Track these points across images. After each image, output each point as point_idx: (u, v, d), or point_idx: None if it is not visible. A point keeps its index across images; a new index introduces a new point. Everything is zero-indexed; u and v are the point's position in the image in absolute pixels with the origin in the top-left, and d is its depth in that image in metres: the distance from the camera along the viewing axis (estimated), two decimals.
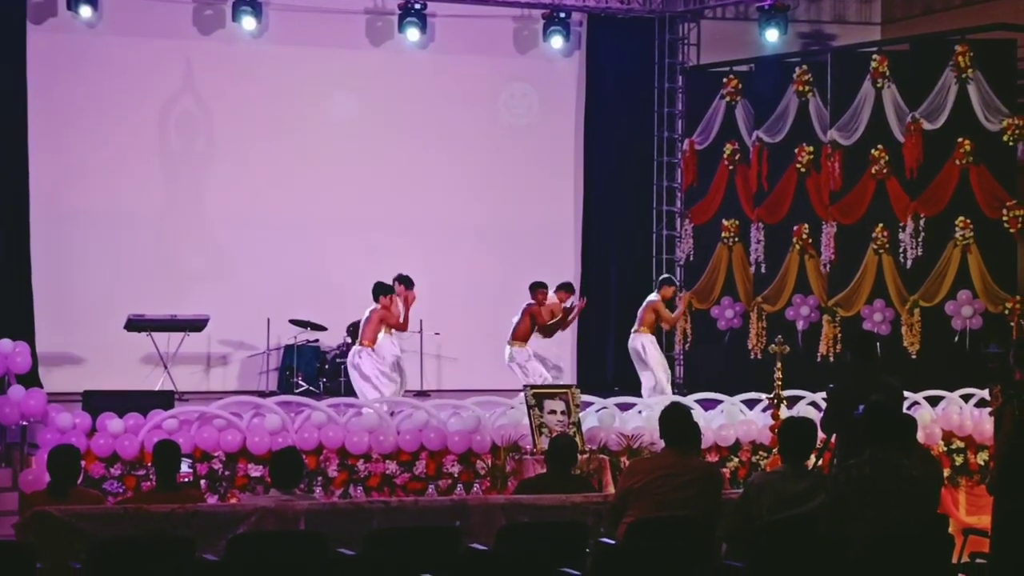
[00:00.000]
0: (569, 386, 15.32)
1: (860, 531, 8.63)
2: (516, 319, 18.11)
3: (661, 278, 19.69)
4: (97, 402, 14.95)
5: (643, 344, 18.50)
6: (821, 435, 10.85)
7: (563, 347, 21.14)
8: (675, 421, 9.62)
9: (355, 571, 8.83)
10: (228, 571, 8.69)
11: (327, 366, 20.62)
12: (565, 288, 18.57)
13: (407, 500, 11.99)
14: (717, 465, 14.10)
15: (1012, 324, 19.19)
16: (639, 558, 8.93)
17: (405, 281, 17.76)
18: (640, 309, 18.71)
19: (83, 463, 12.09)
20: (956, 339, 19.53)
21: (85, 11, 20.26)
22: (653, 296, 18.87)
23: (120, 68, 21.07)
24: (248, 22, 20.96)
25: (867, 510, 8.67)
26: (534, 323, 18.09)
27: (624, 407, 15.74)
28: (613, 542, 9.23)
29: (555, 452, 11.09)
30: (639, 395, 17.57)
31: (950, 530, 9.84)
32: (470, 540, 9.47)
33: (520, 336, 18.06)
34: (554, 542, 9.33)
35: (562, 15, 22.40)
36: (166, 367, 19.86)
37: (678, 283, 21.29)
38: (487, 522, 10.04)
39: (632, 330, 18.65)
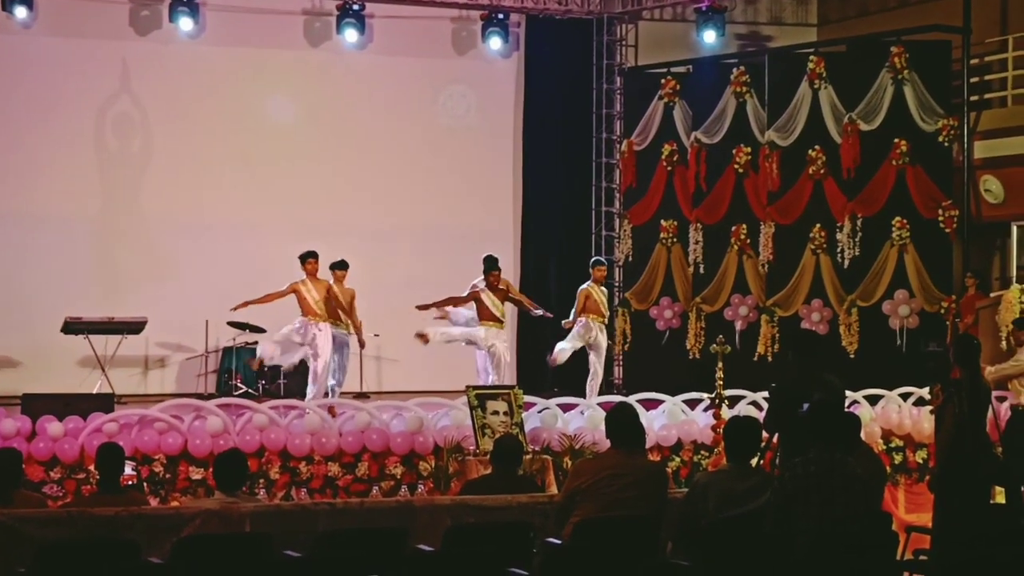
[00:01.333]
0: (511, 387, 15.32)
1: (805, 529, 8.67)
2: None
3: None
4: (36, 405, 14.80)
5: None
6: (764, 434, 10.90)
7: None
8: (623, 421, 9.64)
9: (301, 573, 8.78)
10: (174, 574, 8.61)
11: (266, 368, 20.50)
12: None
13: (352, 501, 11.94)
14: (661, 465, 14.14)
15: (948, 323, 19.34)
16: (586, 557, 8.92)
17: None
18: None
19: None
20: (898, 340, 19.68)
21: (20, 12, 20.12)
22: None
23: (56, 69, 20.93)
24: (185, 23, 20.86)
25: (812, 508, 8.71)
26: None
27: (566, 408, 15.77)
28: (560, 542, 9.23)
29: (500, 453, 11.07)
30: (581, 396, 17.57)
31: (893, 527, 9.90)
32: (416, 541, 9.44)
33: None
34: (501, 542, 9.30)
35: (500, 16, 22.42)
36: (104, 370, 19.71)
37: (610, 276, 21.39)
38: (433, 523, 10.01)
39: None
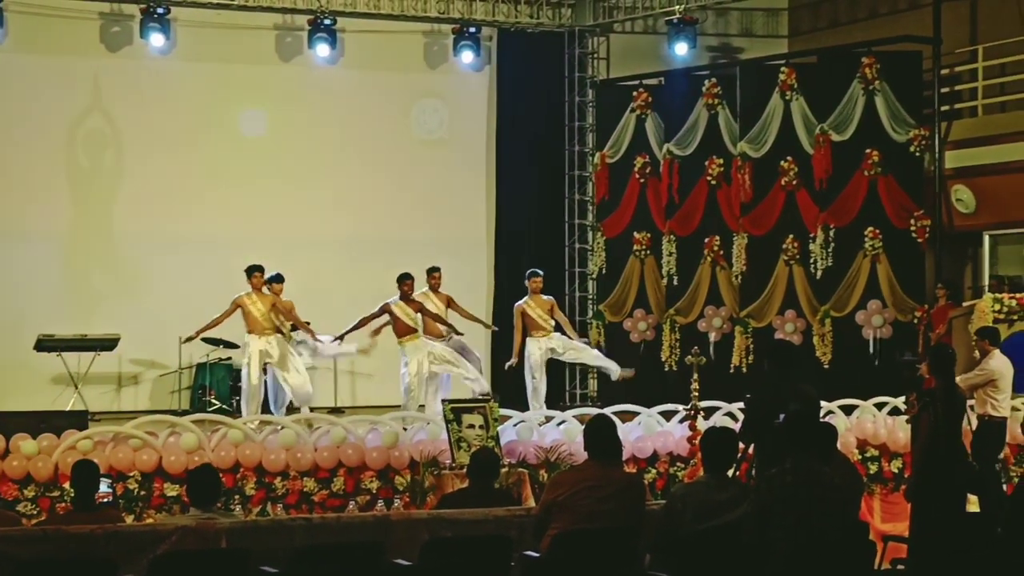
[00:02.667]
0: (487, 400, 15.30)
1: (783, 539, 8.68)
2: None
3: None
4: (9, 423, 14.73)
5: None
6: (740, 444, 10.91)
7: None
8: (601, 433, 9.63)
9: None
10: None
11: (239, 384, 20.43)
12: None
13: (329, 516, 11.92)
14: (639, 476, 14.13)
15: (920, 333, 19.38)
16: (564, 570, 8.93)
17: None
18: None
19: None
20: (871, 350, 19.71)
21: None
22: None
23: (27, 86, 20.88)
24: (156, 39, 20.80)
25: (789, 518, 8.73)
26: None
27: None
28: (537, 555, 9.22)
29: (477, 466, 11.04)
30: (557, 408, 17.55)
31: (870, 537, 9.92)
32: (393, 556, 9.42)
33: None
34: (478, 556, 9.29)
35: (472, 30, 22.45)
36: (77, 387, 19.63)
37: (583, 289, 21.38)
38: (410, 537, 9.97)
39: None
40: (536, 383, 18.46)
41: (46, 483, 13.65)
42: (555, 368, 22.63)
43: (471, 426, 14.30)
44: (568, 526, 9.26)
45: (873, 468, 15.89)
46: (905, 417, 13.93)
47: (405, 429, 15.18)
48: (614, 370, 18.98)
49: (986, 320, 17.28)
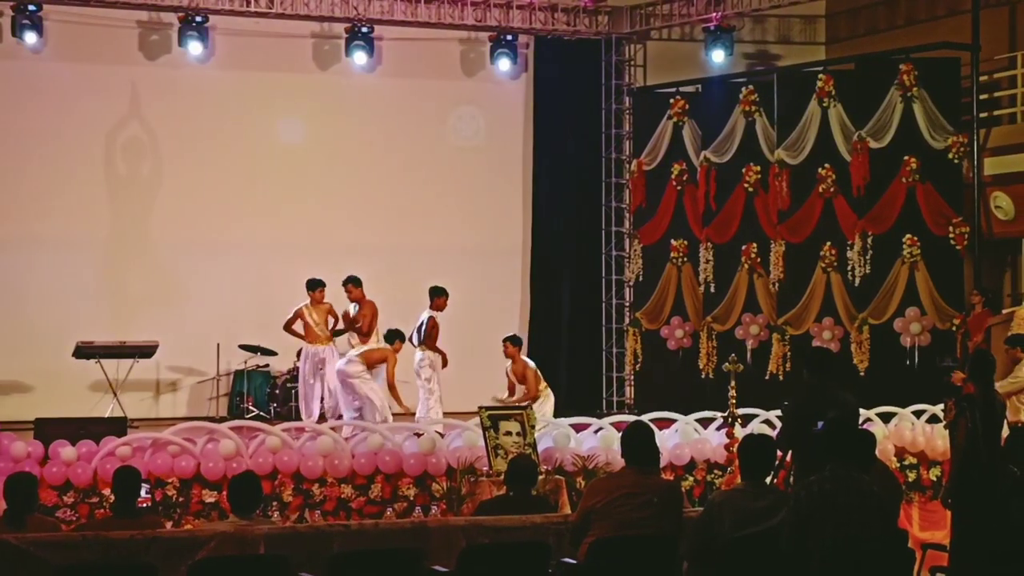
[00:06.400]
0: (525, 407, 15.28)
1: (821, 547, 8.65)
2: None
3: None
4: (49, 430, 14.81)
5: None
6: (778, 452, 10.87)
7: None
8: (638, 440, 9.62)
9: None
10: None
11: (277, 391, 20.53)
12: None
13: (367, 523, 11.94)
14: (676, 483, 14.10)
15: (958, 340, 19.30)
16: None
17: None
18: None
19: None
20: (909, 358, 19.62)
21: (30, 37, 20.21)
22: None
23: (66, 94, 21.01)
24: (194, 47, 20.93)
25: (828, 526, 8.68)
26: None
27: (579, 428, 15.74)
28: (575, 562, 9.22)
29: (515, 473, 11.04)
30: (593, 416, 17.52)
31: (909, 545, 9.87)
32: (431, 562, 9.43)
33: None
34: (516, 563, 9.30)
35: (509, 38, 22.48)
36: (115, 394, 19.72)
37: (620, 296, 21.33)
38: (448, 544, 9.97)
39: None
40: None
41: (85, 489, 13.71)
42: (592, 375, 22.74)
43: (508, 433, 14.28)
44: (606, 533, 9.25)
45: (911, 476, 15.82)
46: (943, 423, 13.85)
47: (442, 435, 15.20)
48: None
49: None
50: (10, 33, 20.31)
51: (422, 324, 17.95)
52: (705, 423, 15.88)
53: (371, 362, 17.77)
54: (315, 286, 18.71)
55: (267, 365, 20.84)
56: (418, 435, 15.02)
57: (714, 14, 22.05)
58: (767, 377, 20.63)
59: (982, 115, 20.12)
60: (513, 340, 17.72)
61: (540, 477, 13.52)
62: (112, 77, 21.30)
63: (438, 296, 18.02)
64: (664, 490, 9.64)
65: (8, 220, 20.72)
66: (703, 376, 21.56)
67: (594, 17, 23.21)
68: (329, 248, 21.55)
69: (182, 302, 21.31)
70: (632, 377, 22.88)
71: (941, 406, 14.52)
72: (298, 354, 19.72)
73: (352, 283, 18.27)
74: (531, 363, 17.57)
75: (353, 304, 18.30)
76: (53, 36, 20.73)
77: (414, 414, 17.78)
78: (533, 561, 9.32)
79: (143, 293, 21.43)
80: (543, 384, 17.63)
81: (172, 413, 20.80)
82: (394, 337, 17.87)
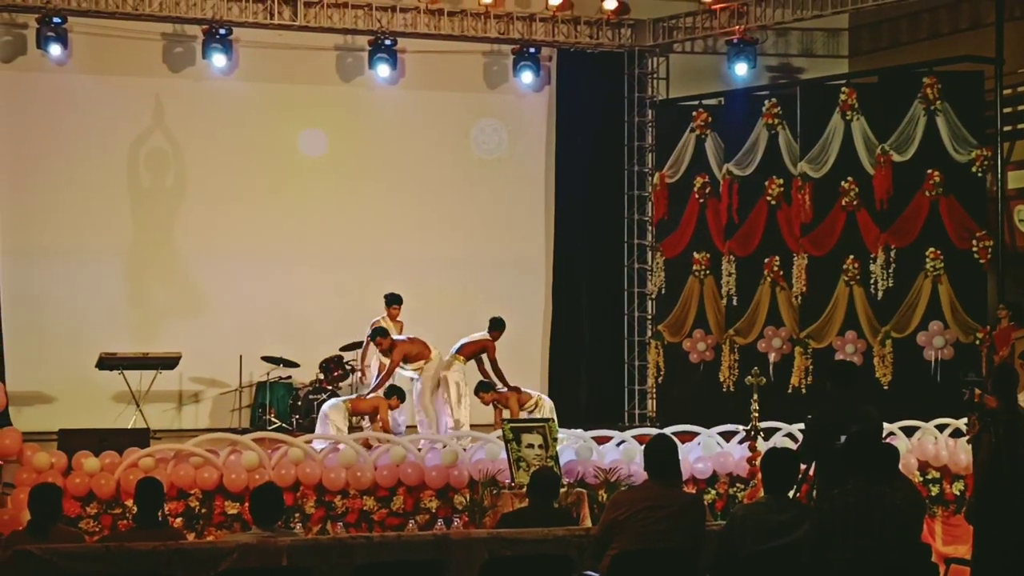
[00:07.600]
0: (547, 420, 15.29)
1: (844, 560, 8.63)
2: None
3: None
4: (73, 441, 14.88)
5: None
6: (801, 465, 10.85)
7: (533, 380, 21.07)
8: (661, 453, 9.60)
9: None
10: None
11: (300, 403, 20.49)
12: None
13: (389, 535, 11.95)
14: (699, 497, 14.09)
15: (983, 354, 19.24)
16: None
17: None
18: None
19: None
20: (932, 372, 19.56)
21: (54, 49, 20.26)
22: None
23: (90, 106, 21.06)
24: (218, 59, 20.97)
25: (851, 539, 8.67)
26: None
27: (601, 440, 15.74)
28: (597, 575, 9.21)
29: (537, 485, 11.04)
30: (615, 428, 17.52)
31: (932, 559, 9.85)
32: (453, 575, 9.43)
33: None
34: (538, 575, 9.30)
35: (532, 50, 22.49)
36: (138, 405, 19.75)
37: (642, 309, 21.43)
38: (470, 556, 9.96)
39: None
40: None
41: (108, 500, 13.76)
42: (614, 388, 22.73)
43: (530, 445, 14.29)
44: (628, 546, 9.23)
45: (935, 490, 15.81)
46: (966, 438, 13.81)
47: (464, 449, 15.21)
48: None
49: None
50: (35, 45, 20.35)
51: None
52: (727, 436, 15.89)
53: (358, 410, 17.77)
54: (392, 302, 18.97)
55: (289, 377, 20.83)
56: (443, 446, 15.06)
57: (737, 27, 22.03)
58: (789, 390, 20.58)
59: (1006, 128, 20.09)
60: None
61: (562, 490, 13.55)
62: (136, 89, 21.35)
63: (495, 329, 18.63)
64: (686, 503, 9.63)
65: (32, 231, 20.76)
66: (725, 389, 21.52)
67: (617, 30, 23.20)
68: (350, 259, 21.60)
69: (205, 313, 21.36)
70: (654, 390, 22.85)
71: (964, 420, 14.49)
72: (321, 367, 19.77)
73: (380, 335, 18.24)
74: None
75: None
76: (78, 48, 20.79)
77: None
78: (555, 574, 9.32)
79: (166, 304, 21.47)
80: (536, 394, 18.35)
81: (194, 424, 20.82)
82: (393, 393, 17.93)
